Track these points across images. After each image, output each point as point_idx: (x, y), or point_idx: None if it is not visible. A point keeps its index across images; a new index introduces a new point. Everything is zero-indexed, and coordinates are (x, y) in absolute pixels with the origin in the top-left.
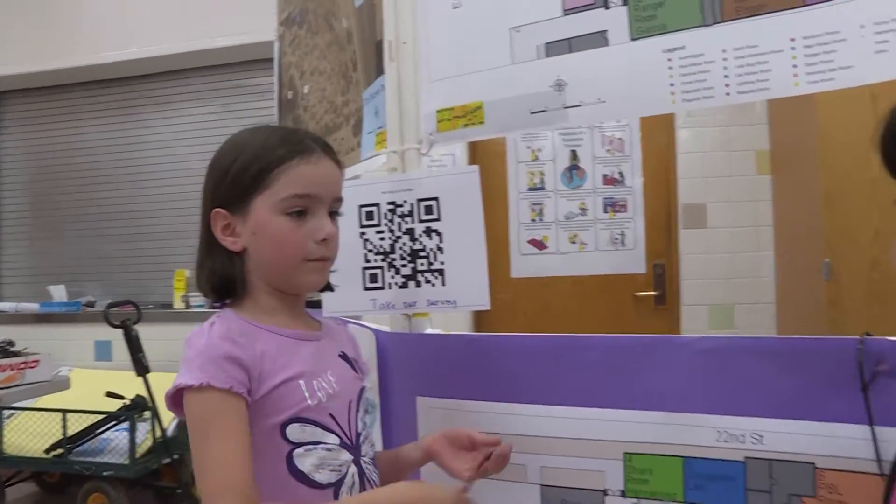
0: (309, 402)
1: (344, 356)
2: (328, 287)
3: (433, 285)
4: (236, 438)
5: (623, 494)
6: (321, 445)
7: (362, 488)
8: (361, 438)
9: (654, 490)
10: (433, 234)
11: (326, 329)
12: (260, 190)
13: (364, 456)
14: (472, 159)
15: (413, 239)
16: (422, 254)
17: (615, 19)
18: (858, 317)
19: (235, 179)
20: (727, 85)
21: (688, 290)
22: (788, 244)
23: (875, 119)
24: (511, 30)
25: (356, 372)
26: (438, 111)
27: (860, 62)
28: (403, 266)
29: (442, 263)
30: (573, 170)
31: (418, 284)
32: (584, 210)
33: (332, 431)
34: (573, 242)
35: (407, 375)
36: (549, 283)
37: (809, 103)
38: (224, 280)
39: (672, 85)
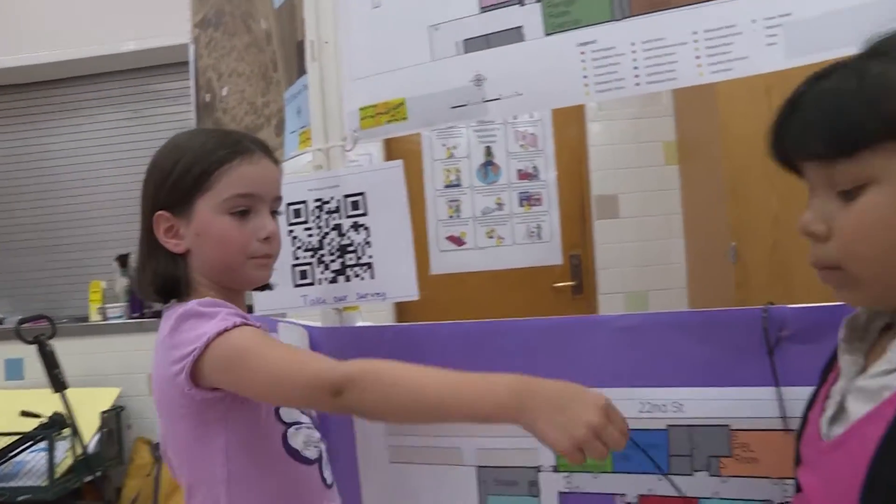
0: None
1: None
2: (268, 285)
3: (362, 279)
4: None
5: (555, 469)
6: (303, 424)
7: None
8: (316, 418)
9: (584, 464)
10: (360, 229)
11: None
12: (202, 191)
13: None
14: (389, 158)
15: (341, 234)
16: (350, 248)
17: (530, 16)
18: (763, 296)
19: (177, 182)
20: (637, 76)
21: (604, 279)
22: (697, 231)
23: (769, 111)
24: (430, 28)
25: None
26: (362, 109)
27: (754, 53)
28: (332, 261)
29: (370, 257)
30: (488, 166)
31: (347, 279)
32: (500, 205)
33: (303, 412)
34: (491, 237)
35: None
36: (468, 279)
37: (711, 96)
38: (168, 281)
39: (586, 77)
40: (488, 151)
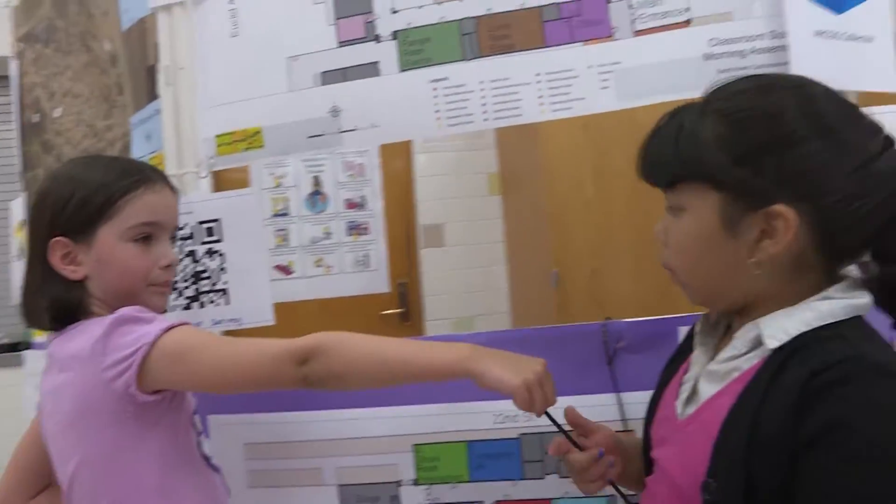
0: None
1: None
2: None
3: (217, 305)
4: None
5: (415, 483)
6: (203, 434)
7: None
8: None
9: (442, 475)
10: (215, 255)
11: None
12: (105, 219)
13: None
14: (217, 188)
15: (195, 261)
16: (204, 275)
17: (386, 52)
18: (582, 320)
19: (78, 210)
20: (485, 111)
21: (431, 305)
22: (519, 258)
23: (586, 145)
24: (288, 59)
25: None
26: (218, 136)
27: (590, 95)
28: (186, 288)
29: (225, 283)
30: (316, 195)
31: (202, 305)
32: (328, 234)
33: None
34: (319, 266)
35: (198, 395)
36: (296, 308)
37: (532, 130)
38: (65, 308)
39: (438, 111)
40: (316, 181)
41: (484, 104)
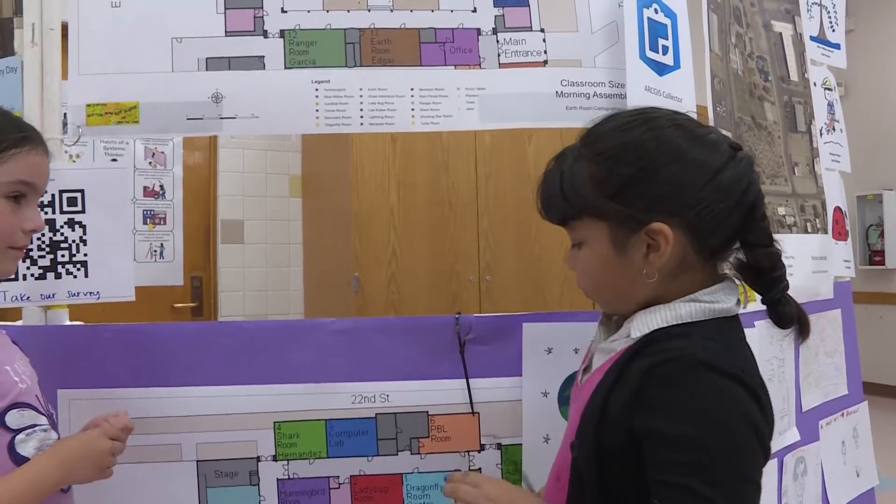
0: (20, 385)
1: None
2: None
3: (75, 277)
4: None
5: (274, 458)
6: (38, 427)
7: None
8: (55, 416)
9: (301, 451)
10: (76, 226)
11: None
12: None
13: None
14: None
15: (53, 230)
16: (63, 245)
17: (272, 48)
18: None
19: None
20: (362, 116)
21: (225, 301)
22: (317, 261)
23: (394, 155)
24: (173, 39)
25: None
26: (89, 105)
27: (456, 114)
28: (42, 257)
29: (85, 255)
30: None
31: (58, 276)
32: None
33: (42, 413)
34: None
35: (45, 370)
36: None
37: (345, 140)
38: None
39: (317, 110)
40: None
41: (361, 109)
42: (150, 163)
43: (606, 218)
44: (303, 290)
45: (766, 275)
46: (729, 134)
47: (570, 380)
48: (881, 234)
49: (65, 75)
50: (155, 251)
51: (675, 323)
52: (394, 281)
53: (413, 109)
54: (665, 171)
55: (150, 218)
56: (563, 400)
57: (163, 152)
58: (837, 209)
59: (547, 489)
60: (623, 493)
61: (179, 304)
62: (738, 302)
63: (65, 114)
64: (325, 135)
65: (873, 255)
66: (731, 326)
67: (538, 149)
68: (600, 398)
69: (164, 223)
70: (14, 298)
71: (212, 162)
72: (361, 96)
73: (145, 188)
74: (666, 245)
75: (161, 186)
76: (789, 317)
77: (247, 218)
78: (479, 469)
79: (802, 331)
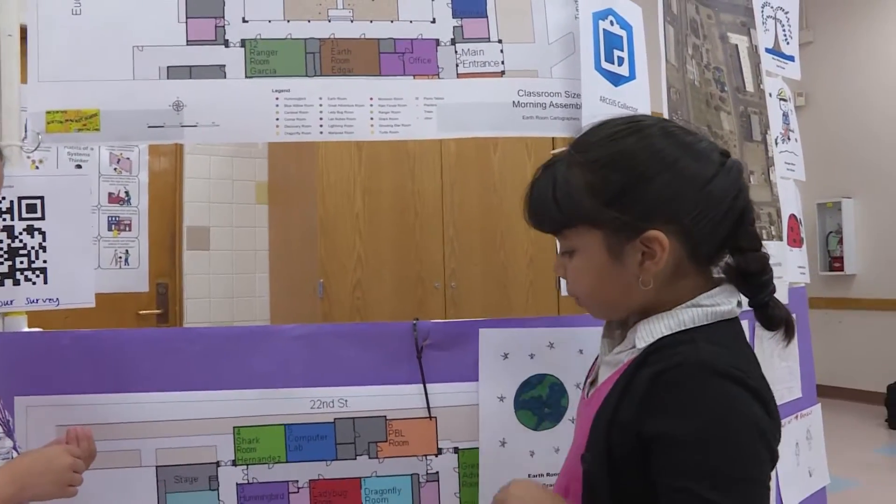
0: None
1: None
2: None
3: (34, 283)
4: None
5: (234, 463)
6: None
7: None
8: (11, 423)
9: (260, 456)
10: (35, 233)
11: None
12: None
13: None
14: None
15: (12, 237)
16: (22, 252)
17: (233, 57)
18: None
19: None
20: (321, 125)
21: (191, 308)
22: (283, 267)
23: (360, 163)
24: (134, 47)
25: None
26: (49, 112)
27: (415, 123)
28: (0, 264)
29: (44, 262)
30: None
31: (17, 283)
32: None
33: None
34: None
35: (2, 376)
36: None
37: (311, 147)
38: None
39: (278, 119)
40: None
41: (321, 118)
42: (115, 169)
43: (602, 226)
44: (269, 297)
45: (755, 278)
46: None
47: (526, 385)
48: (840, 241)
49: (24, 80)
50: (120, 258)
51: (678, 330)
52: (359, 287)
53: (372, 118)
54: (659, 179)
55: (116, 224)
56: (519, 404)
57: (128, 158)
58: (792, 216)
59: None
60: (636, 502)
61: (145, 311)
62: (739, 303)
63: (26, 119)
64: (292, 142)
65: (833, 262)
66: (732, 328)
67: (503, 157)
68: (610, 409)
69: (130, 229)
70: None
71: (178, 168)
72: (321, 105)
73: (110, 194)
74: (662, 252)
75: (126, 192)
76: (778, 319)
77: (213, 224)
78: (437, 473)
79: (788, 333)
